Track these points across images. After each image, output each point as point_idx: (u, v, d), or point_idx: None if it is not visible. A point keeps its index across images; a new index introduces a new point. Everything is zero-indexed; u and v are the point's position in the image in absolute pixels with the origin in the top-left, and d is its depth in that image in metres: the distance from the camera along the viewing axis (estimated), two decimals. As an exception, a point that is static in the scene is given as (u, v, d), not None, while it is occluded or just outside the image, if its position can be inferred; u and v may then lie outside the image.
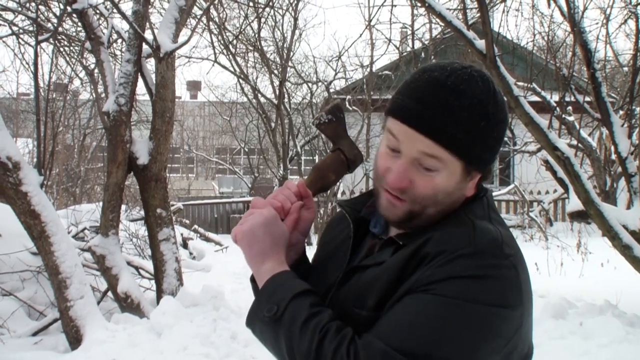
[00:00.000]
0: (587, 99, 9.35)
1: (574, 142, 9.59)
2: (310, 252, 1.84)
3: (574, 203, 7.89)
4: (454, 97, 1.51)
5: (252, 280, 1.71)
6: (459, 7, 9.74)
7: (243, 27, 19.52)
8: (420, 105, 1.52)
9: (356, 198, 1.85)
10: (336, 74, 21.70)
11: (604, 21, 8.94)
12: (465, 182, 1.59)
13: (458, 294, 1.42)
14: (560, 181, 8.31)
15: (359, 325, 1.48)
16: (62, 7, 9.15)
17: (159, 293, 8.01)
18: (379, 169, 1.62)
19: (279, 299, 1.53)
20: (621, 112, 8.99)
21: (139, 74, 8.12)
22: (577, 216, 8.32)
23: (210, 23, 17.96)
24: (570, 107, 11.22)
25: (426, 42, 19.39)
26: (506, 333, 1.47)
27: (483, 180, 1.65)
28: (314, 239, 15.97)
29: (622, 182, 9.20)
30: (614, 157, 9.63)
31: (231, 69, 20.28)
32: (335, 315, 1.51)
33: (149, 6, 8.80)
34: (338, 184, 20.44)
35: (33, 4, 9.59)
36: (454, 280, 1.44)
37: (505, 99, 1.61)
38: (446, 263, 1.46)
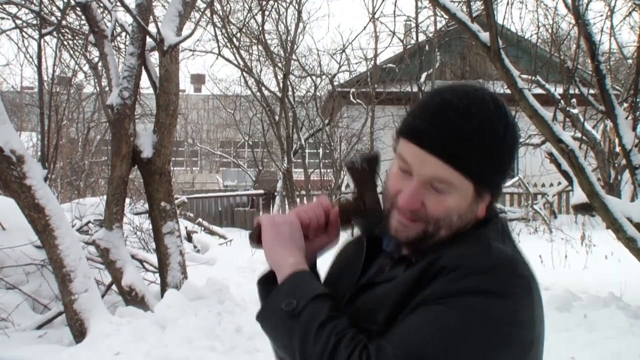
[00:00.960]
0: (592, 91, 9.34)
1: (578, 134, 9.56)
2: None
3: (578, 195, 7.89)
4: (465, 120, 1.52)
5: (261, 282, 1.71)
6: (463, 0, 9.72)
7: (247, 20, 19.54)
8: (431, 127, 1.53)
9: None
10: (340, 66, 21.71)
11: (609, 13, 8.92)
12: (477, 203, 1.59)
13: (472, 309, 1.43)
14: (565, 174, 8.30)
15: (369, 339, 1.47)
16: (65, 0, 9.15)
17: (164, 286, 8.02)
18: (390, 190, 1.62)
19: (300, 295, 1.52)
20: (625, 105, 8.97)
21: (143, 67, 8.11)
22: (581, 209, 8.32)
23: (214, 16, 17.95)
24: (574, 100, 11.18)
25: (430, 35, 19.38)
26: (517, 352, 1.48)
27: (494, 201, 1.66)
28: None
29: (627, 175, 9.16)
30: (618, 149, 9.59)
31: (235, 62, 20.28)
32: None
33: (153, -1, 8.79)
34: (342, 176, 20.45)
35: (36, -2, 9.59)
36: (469, 294, 1.44)
37: (516, 122, 1.62)
38: (462, 278, 1.46)
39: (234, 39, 19.62)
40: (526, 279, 1.53)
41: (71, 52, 12.01)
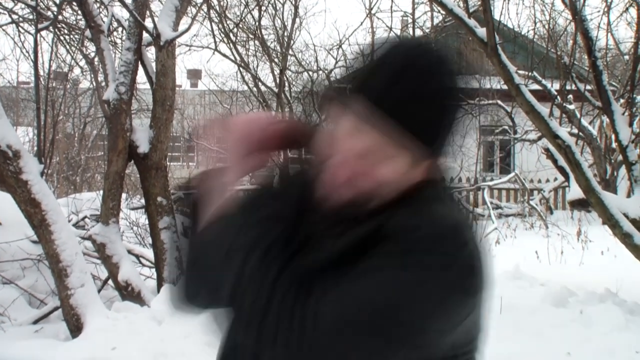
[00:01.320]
0: (588, 87, 9.36)
1: (575, 130, 9.57)
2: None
3: (575, 191, 7.90)
4: (401, 82, 1.43)
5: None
6: (459, -5, 9.71)
7: (244, 15, 19.48)
8: (363, 93, 1.46)
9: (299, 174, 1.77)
10: (337, 62, 21.67)
11: (605, 9, 8.92)
12: (413, 170, 1.49)
13: (416, 273, 1.37)
14: (561, 169, 8.31)
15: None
16: (61, -5, 9.13)
17: (160, 281, 8.02)
18: (323, 154, 1.53)
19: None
20: (622, 101, 8.99)
21: (140, 62, 8.10)
22: (577, 204, 8.34)
23: (211, 11, 17.91)
24: (571, 96, 11.20)
25: (427, 31, 19.36)
26: (458, 317, 1.44)
27: (435, 162, 1.56)
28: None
29: (623, 171, 9.19)
30: (614, 145, 9.61)
31: (232, 57, 20.22)
32: None
33: (149, -6, 8.77)
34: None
35: (33, -8, 9.56)
36: (413, 260, 1.38)
37: (458, 80, 1.58)
38: (406, 242, 1.40)
39: (231, 34, 19.58)
40: (470, 244, 1.46)
41: (67, 47, 11.99)
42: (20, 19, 10.72)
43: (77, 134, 21.41)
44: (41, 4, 9.81)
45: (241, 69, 20.92)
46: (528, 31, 13.44)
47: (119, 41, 11.01)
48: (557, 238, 12.90)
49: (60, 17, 9.91)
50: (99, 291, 7.91)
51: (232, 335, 1.63)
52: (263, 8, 19.89)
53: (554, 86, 10.74)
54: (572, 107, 10.96)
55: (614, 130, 7.69)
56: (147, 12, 8.28)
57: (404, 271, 1.37)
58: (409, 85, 1.44)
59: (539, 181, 19.49)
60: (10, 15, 10.52)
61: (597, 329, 6.69)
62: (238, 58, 20.08)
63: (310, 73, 21.82)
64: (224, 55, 20.09)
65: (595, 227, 13.05)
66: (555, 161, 8.30)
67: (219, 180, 1.72)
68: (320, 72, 21.64)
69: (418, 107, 1.44)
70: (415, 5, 19.02)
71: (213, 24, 18.58)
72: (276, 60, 20.65)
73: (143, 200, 9.08)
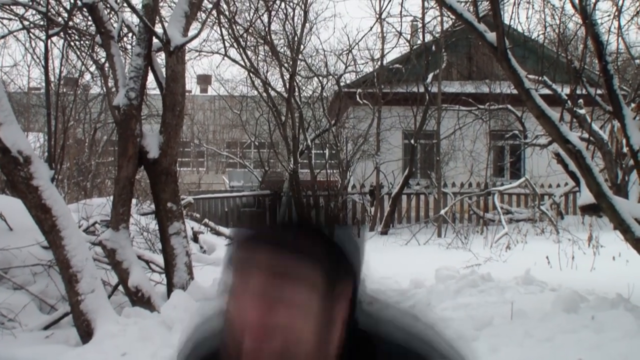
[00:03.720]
0: (599, 91, 9.31)
1: (586, 135, 9.53)
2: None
3: (586, 196, 7.86)
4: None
5: None
6: (469, 0, 9.70)
7: (253, 21, 19.51)
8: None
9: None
10: (347, 67, 21.67)
11: (616, 13, 8.89)
12: (333, 305, 1.31)
13: None
14: (572, 174, 8.27)
15: None
16: (72, 1, 9.16)
17: (170, 287, 8.03)
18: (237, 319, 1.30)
19: None
20: (633, 105, 8.94)
21: (149, 67, 8.12)
22: (588, 209, 8.29)
23: (221, 16, 17.95)
24: (581, 100, 11.15)
25: (437, 35, 19.35)
26: None
27: (357, 291, 1.37)
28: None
29: (634, 175, 9.14)
30: (625, 150, 9.56)
31: (241, 62, 20.26)
32: None
33: (159, 0, 8.80)
34: (349, 176, 20.46)
35: (43, -2, 9.61)
36: None
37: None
38: None
39: (241, 40, 19.61)
40: None
41: (78, 52, 12.04)
42: (31, 25, 10.77)
43: (88, 140, 21.47)
44: (52, 10, 9.86)
45: (251, 74, 20.95)
46: (538, 35, 13.42)
47: (129, 47, 11.04)
48: (568, 243, 12.84)
49: (70, 23, 9.94)
50: (109, 297, 7.92)
51: None
52: (273, 13, 19.92)
53: (565, 91, 10.71)
54: (582, 111, 10.91)
55: (625, 134, 7.65)
56: (157, 18, 8.31)
57: None
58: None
59: (550, 186, 19.43)
60: (21, 22, 10.56)
61: (608, 334, 6.65)
62: (248, 63, 20.10)
63: (320, 78, 21.85)
64: (234, 60, 20.13)
65: (606, 232, 12.98)
66: (565, 166, 8.26)
67: None
68: (330, 77, 21.66)
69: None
70: (425, 10, 19.03)
71: (223, 29, 18.62)
72: (286, 65, 20.66)
73: (153, 206, 9.09)
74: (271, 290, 1.26)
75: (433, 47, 19.30)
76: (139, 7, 8.17)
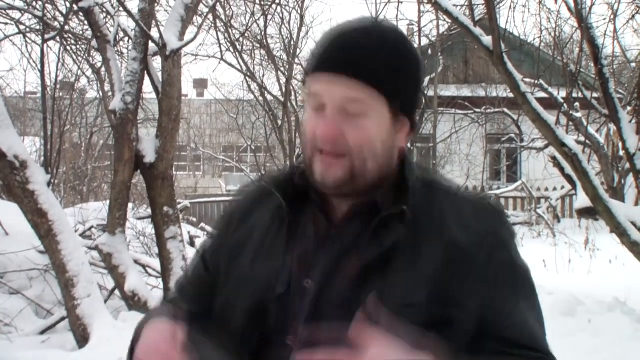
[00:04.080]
0: (595, 95, 9.34)
1: (582, 138, 9.55)
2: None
3: (582, 200, 7.87)
4: (364, 37, 1.50)
5: None
6: (465, 4, 9.71)
7: (249, 25, 19.51)
8: (334, 50, 1.50)
9: (278, 176, 1.68)
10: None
11: (612, 17, 8.91)
12: (396, 128, 1.54)
13: (527, 278, 1.59)
14: (568, 178, 8.28)
15: (417, 324, 1.40)
16: (68, 5, 9.15)
17: (166, 291, 8.00)
18: (308, 133, 1.53)
19: None
20: (629, 108, 8.95)
21: (146, 72, 8.11)
22: (585, 213, 8.30)
23: (217, 20, 17.95)
24: (577, 104, 11.18)
25: (433, 39, 19.37)
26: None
27: (412, 133, 1.60)
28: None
29: (630, 179, 9.16)
30: (622, 153, 9.57)
31: (238, 66, 20.27)
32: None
33: (155, 4, 8.80)
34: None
35: (39, 3, 9.60)
36: (517, 269, 1.58)
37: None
38: (502, 253, 1.55)
39: (237, 44, 19.62)
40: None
41: (74, 57, 12.01)
42: (27, 29, 10.75)
43: (84, 144, 21.42)
44: (48, 14, 9.85)
45: (247, 78, 20.94)
46: (534, 39, 13.44)
47: (125, 51, 11.02)
48: (564, 246, 12.85)
49: (66, 28, 9.93)
50: (106, 301, 7.91)
51: None
52: (269, 17, 19.92)
53: (561, 94, 10.73)
54: (578, 115, 10.94)
55: (621, 138, 7.66)
56: (153, 22, 8.30)
57: (525, 287, 1.59)
58: (391, 51, 1.51)
59: (546, 189, 19.45)
60: (17, 26, 10.55)
61: (605, 338, 6.66)
62: (244, 67, 20.11)
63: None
64: (230, 64, 20.13)
65: (603, 236, 12.98)
66: (562, 169, 8.27)
67: None
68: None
69: (396, 58, 1.52)
70: (421, 14, 19.01)
71: (219, 33, 18.63)
72: (282, 69, 20.67)
73: (149, 210, 9.08)
74: (348, 110, 1.49)
75: (429, 51, 19.31)
76: (135, 11, 8.16)
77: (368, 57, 1.48)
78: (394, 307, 1.40)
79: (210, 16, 15.38)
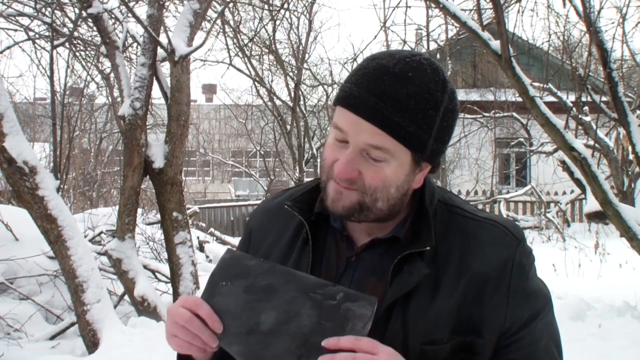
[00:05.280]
0: (604, 98, 9.30)
1: (591, 142, 9.53)
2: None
3: (592, 204, 7.84)
4: (400, 85, 1.47)
5: None
6: (473, 8, 9.71)
7: (258, 30, 19.54)
8: (366, 93, 1.47)
9: (301, 196, 1.70)
10: (351, 76, 21.65)
11: (620, 20, 8.88)
12: (414, 173, 1.55)
13: (545, 302, 1.62)
14: (578, 182, 8.26)
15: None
16: (77, 11, 9.18)
17: (176, 296, 8.02)
18: (327, 160, 1.55)
19: None
20: (638, 112, 8.93)
21: (154, 77, 8.13)
22: (594, 217, 8.27)
23: (225, 26, 17.98)
24: (586, 107, 11.16)
25: (441, 43, 19.35)
26: None
27: (432, 172, 1.61)
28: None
29: (640, 182, 9.13)
30: (631, 157, 9.55)
31: (246, 71, 20.29)
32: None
33: (164, 10, 8.82)
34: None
35: (49, 9, 9.63)
36: (534, 293, 1.61)
37: (454, 88, 1.59)
38: (520, 279, 1.58)
39: (245, 49, 19.64)
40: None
41: (83, 63, 12.04)
42: (37, 35, 10.79)
43: (93, 150, 21.49)
44: (57, 21, 9.88)
45: (256, 83, 20.97)
46: (542, 43, 13.42)
47: (133, 57, 11.05)
48: (574, 251, 12.83)
49: (75, 34, 9.97)
50: (115, 307, 7.92)
51: None
52: (277, 22, 19.94)
53: (570, 98, 10.71)
54: (587, 119, 10.92)
55: (631, 141, 7.63)
56: (162, 28, 8.33)
57: (544, 311, 1.62)
58: (425, 103, 1.48)
59: (556, 193, 19.40)
60: (26, 32, 10.58)
61: (616, 342, 6.64)
62: (253, 72, 20.14)
63: (325, 87, 21.86)
64: (239, 69, 20.13)
65: (613, 240, 12.95)
66: (571, 173, 8.25)
67: None
68: (335, 85, 21.67)
69: (430, 112, 1.49)
70: (429, 19, 19.01)
71: (227, 38, 18.65)
72: (291, 74, 20.69)
73: (159, 215, 9.10)
74: (370, 154, 1.50)
75: (438, 55, 19.30)
76: (143, 17, 8.19)
77: (398, 111, 1.46)
78: (417, 345, 1.48)
79: (218, 21, 15.39)
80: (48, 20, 9.33)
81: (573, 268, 11.49)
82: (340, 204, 1.53)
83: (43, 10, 9.87)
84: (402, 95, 1.46)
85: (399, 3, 17.17)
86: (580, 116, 9.58)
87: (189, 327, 1.50)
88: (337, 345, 1.38)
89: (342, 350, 1.39)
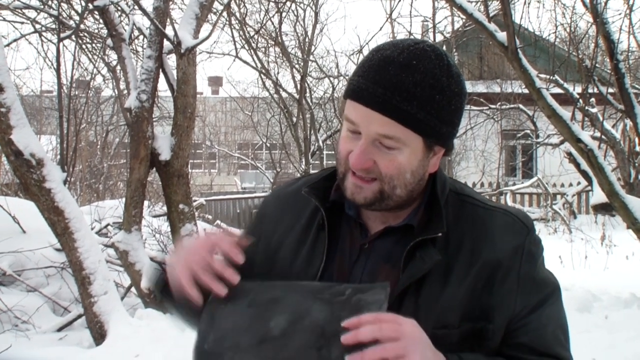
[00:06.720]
0: (611, 90, 9.29)
1: (598, 134, 9.51)
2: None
3: (598, 195, 7.84)
4: (406, 73, 1.50)
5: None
6: (480, 0, 9.69)
7: (264, 22, 19.52)
8: (373, 84, 1.51)
9: (317, 182, 1.74)
10: (357, 67, 21.62)
11: (627, 12, 8.85)
12: (428, 158, 1.60)
13: (553, 289, 1.66)
14: (584, 173, 8.25)
15: (450, 343, 1.53)
16: (83, 4, 9.19)
17: (182, 288, 8.02)
18: (342, 152, 1.60)
19: None
20: (645, 103, 8.90)
21: (161, 70, 8.13)
22: (601, 208, 8.28)
23: (232, 18, 17.97)
24: (593, 99, 11.13)
25: (448, 35, 19.31)
26: None
27: (446, 155, 1.66)
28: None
29: (647, 174, 9.11)
30: (638, 148, 9.55)
31: (252, 64, 20.29)
32: None
33: (170, 2, 8.82)
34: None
35: (55, 2, 9.65)
36: (542, 280, 1.65)
37: (460, 71, 1.61)
38: (529, 266, 1.62)
39: (251, 41, 19.63)
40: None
41: (89, 55, 12.07)
42: (43, 28, 10.81)
43: (100, 142, 21.52)
44: (63, 13, 9.89)
45: (262, 75, 20.96)
46: (549, 34, 13.39)
47: (140, 49, 11.07)
48: (580, 242, 12.82)
49: (82, 26, 9.98)
50: (122, 298, 7.94)
51: None
52: (284, 14, 19.93)
53: (576, 90, 10.67)
54: (594, 110, 10.88)
55: (637, 133, 7.63)
56: (168, 20, 8.32)
57: (552, 298, 1.66)
58: (432, 88, 1.52)
59: (562, 185, 19.38)
60: (33, 25, 10.60)
61: (622, 334, 6.63)
62: (259, 64, 20.12)
63: (331, 79, 21.84)
64: (245, 61, 20.14)
65: (619, 232, 12.93)
66: (578, 165, 8.25)
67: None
68: (342, 77, 21.65)
69: (437, 97, 1.52)
70: (436, 10, 18.96)
71: (234, 30, 18.64)
72: (297, 66, 20.67)
73: (165, 208, 9.11)
74: (382, 143, 1.54)
75: (444, 47, 19.27)
76: (149, 9, 8.19)
77: (406, 99, 1.50)
78: (428, 329, 1.49)
79: (224, 14, 15.40)
80: (54, 12, 9.33)
81: (579, 260, 11.47)
82: (361, 195, 1.58)
83: (49, 2, 9.90)
84: (408, 83, 1.50)
85: (405, -5, 17.10)
86: (587, 108, 9.55)
87: (212, 262, 1.61)
88: (359, 322, 1.39)
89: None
